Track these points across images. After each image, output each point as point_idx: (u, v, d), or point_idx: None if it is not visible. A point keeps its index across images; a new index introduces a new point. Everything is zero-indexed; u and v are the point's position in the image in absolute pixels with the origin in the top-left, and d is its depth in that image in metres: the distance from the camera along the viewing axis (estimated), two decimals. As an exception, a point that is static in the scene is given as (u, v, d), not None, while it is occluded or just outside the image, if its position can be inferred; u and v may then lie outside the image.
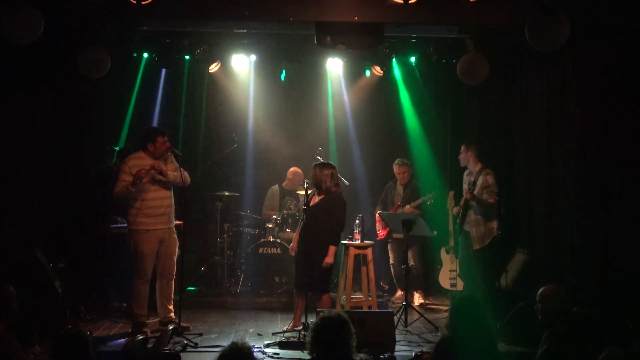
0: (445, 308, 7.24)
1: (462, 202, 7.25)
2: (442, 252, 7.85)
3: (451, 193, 7.61)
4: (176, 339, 5.99)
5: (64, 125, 7.34)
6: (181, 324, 6.23)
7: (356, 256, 6.86)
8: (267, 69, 8.77)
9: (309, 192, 6.40)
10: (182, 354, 5.55)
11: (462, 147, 7.31)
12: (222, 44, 8.08)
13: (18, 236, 6.61)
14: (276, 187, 8.71)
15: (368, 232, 7.87)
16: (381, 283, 8.27)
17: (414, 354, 5.23)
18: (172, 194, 6.51)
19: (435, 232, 7.49)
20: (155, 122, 8.61)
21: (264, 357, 5.63)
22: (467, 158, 7.25)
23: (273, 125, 9.09)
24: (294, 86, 9.03)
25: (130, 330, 6.35)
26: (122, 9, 5.93)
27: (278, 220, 8.23)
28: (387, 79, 8.96)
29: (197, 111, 9.11)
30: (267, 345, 5.95)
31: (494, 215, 7.01)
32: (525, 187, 7.43)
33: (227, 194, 8.53)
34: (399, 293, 7.91)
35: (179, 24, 7.22)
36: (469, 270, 7.24)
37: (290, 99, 9.10)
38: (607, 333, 4.54)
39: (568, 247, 6.34)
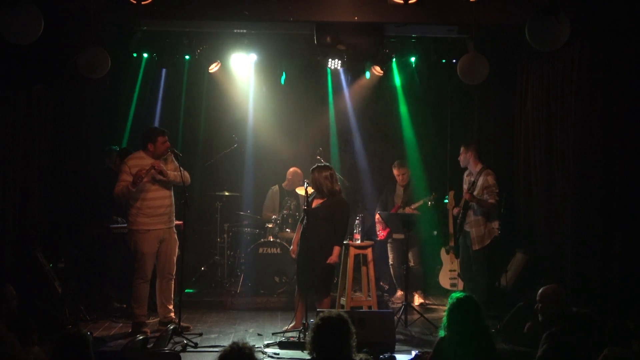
0: (445, 308, 7.24)
1: (462, 202, 7.25)
2: (442, 252, 7.86)
3: (451, 193, 7.61)
4: (176, 339, 5.99)
5: (64, 125, 7.35)
6: (181, 324, 6.23)
7: (356, 256, 6.86)
8: (267, 69, 8.77)
9: (309, 192, 6.41)
10: (182, 354, 5.54)
11: (462, 148, 7.31)
12: (222, 44, 8.08)
13: (18, 236, 6.61)
14: (276, 187, 8.72)
15: (368, 232, 7.88)
16: (381, 283, 8.27)
17: (414, 354, 5.23)
18: (172, 193, 6.52)
19: (435, 232, 7.49)
20: (157, 122, 8.62)
21: (264, 357, 5.62)
22: (467, 159, 7.25)
23: (273, 125, 9.10)
24: (294, 86, 9.02)
25: (130, 330, 6.36)
26: (122, 9, 5.93)
27: (278, 220, 8.24)
28: (387, 79, 8.96)
29: (197, 111, 9.11)
30: (267, 345, 5.95)
31: (494, 216, 7.01)
32: (525, 187, 7.44)
33: (227, 194, 8.53)
34: (399, 293, 7.91)
35: (179, 24, 7.21)
36: (469, 270, 7.24)
37: (290, 99, 9.10)
38: (607, 333, 4.54)
39: (568, 247, 6.33)
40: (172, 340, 5.94)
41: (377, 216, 8.00)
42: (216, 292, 8.14)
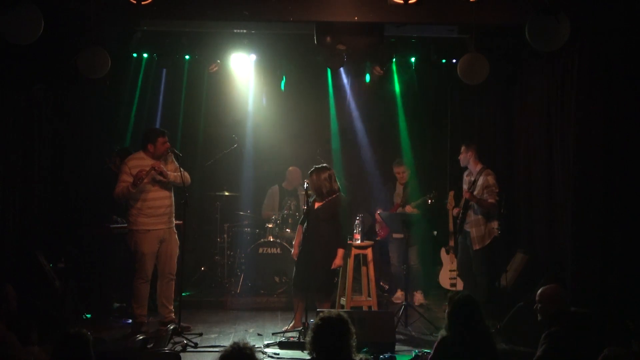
0: (445, 308, 7.23)
1: (462, 202, 7.25)
2: (442, 252, 7.85)
3: (451, 193, 7.61)
4: (176, 339, 5.99)
5: (64, 125, 7.34)
6: (181, 324, 6.23)
7: (356, 256, 6.86)
8: (267, 69, 8.76)
9: (309, 192, 6.41)
10: (182, 354, 5.55)
11: (463, 148, 7.31)
12: (222, 44, 8.07)
13: (18, 236, 6.61)
14: (276, 187, 8.72)
15: (368, 232, 7.88)
16: (381, 283, 8.27)
17: (414, 354, 5.24)
18: (172, 194, 6.52)
19: (435, 232, 7.49)
20: (158, 123, 8.62)
21: (264, 357, 5.63)
22: (467, 158, 7.24)
23: (273, 125, 9.08)
24: (294, 86, 9.02)
25: (130, 330, 6.36)
26: (122, 9, 5.93)
27: (278, 220, 8.23)
28: (387, 79, 8.96)
29: (197, 111, 9.11)
30: (267, 345, 5.96)
31: (494, 216, 7.01)
32: (525, 188, 7.43)
33: (226, 194, 8.53)
34: (399, 293, 7.91)
35: (179, 24, 7.21)
36: (469, 270, 7.24)
37: (291, 98, 9.10)
38: (607, 333, 4.54)
39: (568, 247, 6.33)
40: (172, 340, 5.94)
41: (377, 216, 8.01)
42: (216, 292, 8.14)
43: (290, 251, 7.73)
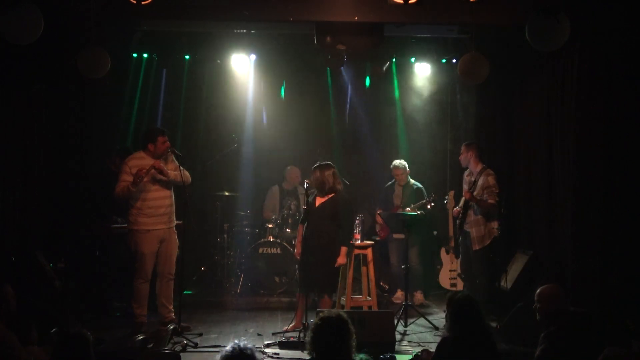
0: (445, 308, 7.24)
1: (461, 202, 7.25)
2: (442, 252, 7.86)
3: (451, 193, 7.61)
4: (176, 339, 5.99)
5: (64, 125, 7.33)
6: (181, 324, 6.23)
7: (356, 256, 6.86)
8: (267, 68, 8.77)
9: (309, 191, 6.41)
10: (182, 354, 5.55)
11: (463, 148, 7.31)
12: (222, 44, 8.07)
13: (18, 236, 6.61)
14: (276, 187, 8.72)
15: (368, 232, 7.88)
16: (381, 283, 8.27)
17: (414, 354, 5.23)
18: (173, 193, 6.52)
19: (435, 232, 7.49)
20: (159, 123, 8.63)
21: (264, 357, 5.63)
22: (467, 158, 7.24)
23: (273, 125, 9.09)
24: (294, 86, 9.02)
25: (130, 330, 6.35)
26: (122, 9, 5.93)
27: (278, 220, 8.24)
28: (387, 79, 8.95)
29: (197, 111, 9.11)
30: (267, 345, 5.96)
31: (494, 216, 7.01)
32: (525, 188, 7.43)
33: (226, 194, 8.54)
34: (399, 293, 7.91)
35: (179, 24, 7.21)
36: (469, 270, 7.24)
37: (290, 98, 9.11)
38: (607, 333, 4.54)
39: (568, 247, 6.34)
40: (172, 340, 5.94)
41: (378, 216, 8.01)
42: (216, 292, 8.15)
43: (291, 251, 7.74)
